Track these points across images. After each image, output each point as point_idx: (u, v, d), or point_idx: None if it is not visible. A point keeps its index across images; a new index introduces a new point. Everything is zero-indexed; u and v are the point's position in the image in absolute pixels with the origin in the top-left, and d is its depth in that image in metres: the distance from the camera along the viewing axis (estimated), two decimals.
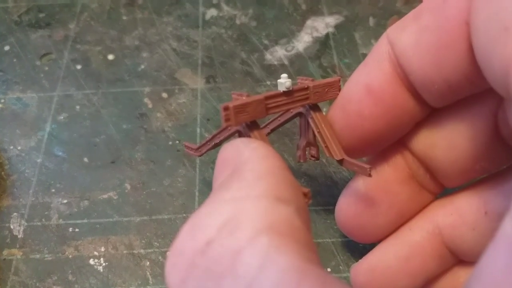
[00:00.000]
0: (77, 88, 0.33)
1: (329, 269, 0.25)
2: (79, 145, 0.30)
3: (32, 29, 0.37)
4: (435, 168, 0.21)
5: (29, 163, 0.30)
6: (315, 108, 0.21)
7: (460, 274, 0.22)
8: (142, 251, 0.26)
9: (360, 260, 0.23)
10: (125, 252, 0.26)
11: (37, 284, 0.25)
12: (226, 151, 0.17)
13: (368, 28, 0.36)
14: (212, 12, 0.38)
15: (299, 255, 0.12)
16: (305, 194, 0.17)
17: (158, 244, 0.26)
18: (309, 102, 0.20)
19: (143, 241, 0.26)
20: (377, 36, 0.19)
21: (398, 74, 0.19)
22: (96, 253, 0.26)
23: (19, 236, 0.26)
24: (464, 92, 0.18)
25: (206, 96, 0.33)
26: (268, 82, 0.33)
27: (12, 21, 0.38)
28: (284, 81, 0.19)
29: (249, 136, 0.19)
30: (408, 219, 0.22)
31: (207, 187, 0.28)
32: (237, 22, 0.37)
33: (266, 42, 0.36)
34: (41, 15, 0.38)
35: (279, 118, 0.24)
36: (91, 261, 0.25)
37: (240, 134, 0.20)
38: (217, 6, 0.38)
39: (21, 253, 0.26)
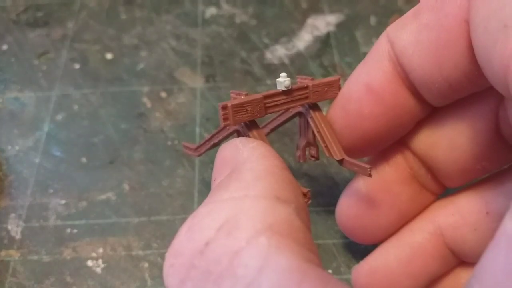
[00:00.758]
0: (75, 88, 0.33)
1: (330, 271, 0.25)
2: (77, 145, 0.30)
3: (30, 28, 0.37)
4: (436, 168, 0.20)
5: (27, 163, 0.29)
6: (315, 107, 0.21)
7: (462, 276, 0.21)
8: (140, 252, 0.26)
9: (361, 262, 0.23)
10: (123, 253, 0.26)
11: (35, 286, 0.25)
12: (224, 150, 0.17)
13: (369, 26, 0.36)
14: (211, 11, 0.38)
15: (299, 256, 0.12)
16: (304, 194, 0.17)
17: (157, 245, 0.26)
18: (308, 102, 0.20)
19: (142, 242, 0.26)
20: (378, 35, 0.19)
21: (398, 73, 0.18)
22: (94, 254, 0.26)
23: (17, 237, 0.26)
24: (465, 91, 0.18)
25: (205, 95, 0.32)
26: (268, 82, 0.33)
27: (10, 20, 0.38)
28: (283, 80, 0.19)
29: (248, 136, 0.19)
30: (409, 220, 0.22)
31: (206, 187, 0.28)
32: (237, 20, 0.37)
33: (266, 41, 0.35)
34: (39, 14, 0.38)
35: (278, 118, 0.24)
36: (89, 263, 0.25)
37: (239, 134, 0.20)
38: (217, 5, 0.38)
39: (18, 254, 0.26)
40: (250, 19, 0.37)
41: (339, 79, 0.21)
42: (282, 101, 0.19)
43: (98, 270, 0.25)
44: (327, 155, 0.20)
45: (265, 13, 0.37)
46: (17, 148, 0.30)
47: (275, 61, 0.34)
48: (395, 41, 0.18)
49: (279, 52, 0.35)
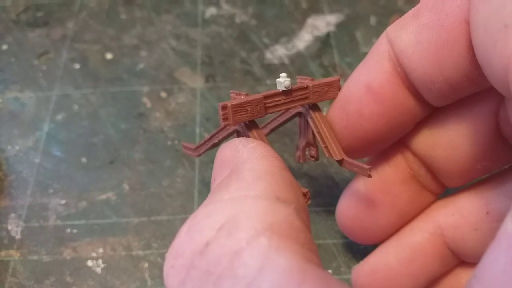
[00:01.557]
0: (75, 88, 0.33)
1: (330, 271, 0.25)
2: (77, 145, 0.30)
3: (30, 28, 0.37)
4: (436, 168, 0.20)
5: (27, 163, 0.29)
6: (315, 108, 0.21)
7: (462, 276, 0.21)
8: (140, 252, 0.26)
9: (361, 262, 0.23)
10: (123, 253, 0.26)
11: (35, 286, 0.24)
12: (224, 150, 0.17)
13: (369, 26, 0.36)
14: (211, 11, 0.38)
15: (299, 256, 0.12)
16: (304, 194, 0.17)
17: (157, 246, 0.26)
18: (308, 102, 0.20)
19: (142, 242, 0.26)
20: (378, 35, 0.19)
21: (398, 73, 0.18)
22: (94, 254, 0.26)
23: (17, 237, 0.26)
24: (465, 91, 0.18)
25: (205, 95, 0.32)
26: (268, 82, 0.33)
27: (10, 20, 0.38)
28: (283, 80, 0.19)
29: (247, 136, 0.19)
30: (409, 220, 0.22)
31: (206, 187, 0.28)
32: (237, 20, 0.37)
33: (266, 41, 0.35)
34: (39, 14, 0.38)
35: (278, 118, 0.24)
36: (89, 263, 0.25)
37: (239, 134, 0.20)
38: (217, 5, 0.38)
39: (18, 254, 0.26)
40: (250, 19, 0.37)
41: (339, 80, 0.20)
42: (282, 101, 0.19)
43: (98, 270, 0.25)
44: (327, 155, 0.20)
45: (265, 13, 0.37)
46: (17, 148, 0.30)
47: (275, 61, 0.34)
48: (395, 41, 0.18)
49: (279, 52, 0.35)
